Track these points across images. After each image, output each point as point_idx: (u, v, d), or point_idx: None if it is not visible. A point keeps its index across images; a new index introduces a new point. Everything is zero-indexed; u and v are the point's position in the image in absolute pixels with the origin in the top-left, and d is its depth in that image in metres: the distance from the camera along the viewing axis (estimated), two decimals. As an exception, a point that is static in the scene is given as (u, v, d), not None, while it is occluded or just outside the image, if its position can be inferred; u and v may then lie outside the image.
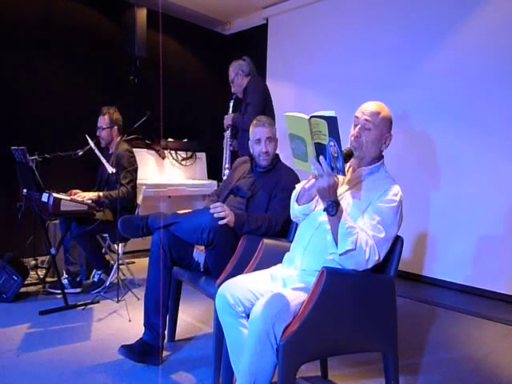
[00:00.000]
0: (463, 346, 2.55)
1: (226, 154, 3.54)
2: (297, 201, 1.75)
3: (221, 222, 2.02)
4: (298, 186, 1.79)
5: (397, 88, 3.84)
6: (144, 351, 2.07)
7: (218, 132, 3.70)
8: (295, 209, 1.77)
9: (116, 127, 3.37)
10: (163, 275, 2.09)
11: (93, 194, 3.12)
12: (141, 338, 2.12)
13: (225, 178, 3.38)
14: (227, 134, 3.52)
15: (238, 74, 3.41)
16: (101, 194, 3.14)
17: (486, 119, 3.41)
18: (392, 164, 1.90)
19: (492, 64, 3.37)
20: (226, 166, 3.48)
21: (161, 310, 2.10)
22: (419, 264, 3.80)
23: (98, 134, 3.35)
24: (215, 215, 2.03)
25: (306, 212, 1.73)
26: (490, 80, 3.38)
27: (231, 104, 3.51)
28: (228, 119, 3.47)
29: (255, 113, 3.13)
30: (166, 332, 2.22)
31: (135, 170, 3.34)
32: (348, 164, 1.75)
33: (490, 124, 3.39)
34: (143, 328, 2.14)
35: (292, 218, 1.86)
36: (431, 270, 3.73)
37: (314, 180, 1.54)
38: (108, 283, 3.25)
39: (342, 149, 1.37)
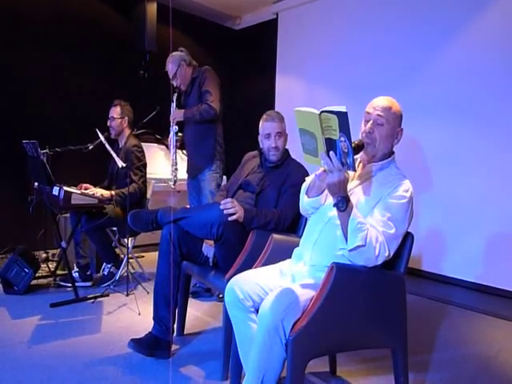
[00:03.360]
0: (473, 343, 2.53)
1: (174, 156, 3.21)
2: (306, 193, 1.74)
3: (230, 219, 2.02)
4: (308, 179, 1.79)
5: (407, 85, 3.80)
6: (153, 345, 2.08)
7: (228, 127, 3.66)
8: (305, 202, 1.76)
9: (127, 118, 3.39)
10: (172, 269, 2.10)
11: (105, 193, 3.12)
12: (150, 332, 2.13)
13: (172, 183, 3.21)
14: (174, 129, 3.18)
15: (180, 65, 3.12)
16: (113, 192, 3.15)
17: (497, 116, 3.37)
18: (402, 160, 1.88)
19: (503, 61, 3.32)
20: (175, 167, 3.21)
21: (170, 303, 2.10)
22: (430, 261, 3.77)
23: (108, 124, 3.37)
24: (225, 211, 2.02)
25: (316, 205, 1.72)
26: (501, 77, 3.34)
27: (175, 98, 3.18)
28: (178, 114, 3.13)
29: (217, 100, 3.02)
30: (174, 326, 2.22)
31: (144, 166, 3.35)
32: (358, 159, 1.73)
33: (501, 121, 3.35)
34: (152, 322, 2.15)
35: (301, 211, 1.85)
36: (442, 268, 3.70)
37: (324, 168, 1.52)
38: (118, 277, 3.28)
39: (353, 141, 1.36)
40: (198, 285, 3.14)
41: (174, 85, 3.20)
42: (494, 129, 3.39)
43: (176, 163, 3.24)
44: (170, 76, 3.16)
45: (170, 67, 3.15)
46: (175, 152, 3.23)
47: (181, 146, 3.38)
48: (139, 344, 2.07)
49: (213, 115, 3.03)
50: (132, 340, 2.08)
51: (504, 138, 3.33)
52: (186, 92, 3.23)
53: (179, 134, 3.26)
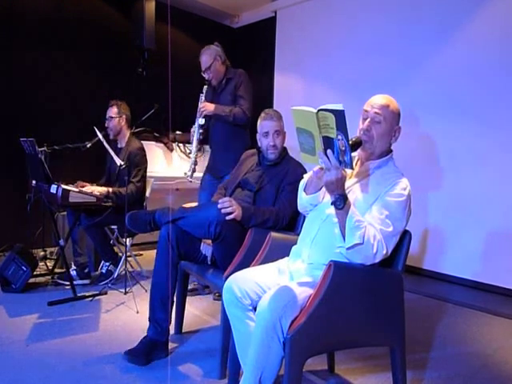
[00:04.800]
0: (472, 341, 2.53)
1: (195, 148, 3.14)
2: (304, 190, 1.74)
3: (228, 218, 2.01)
4: (306, 176, 1.78)
5: (406, 83, 3.80)
6: (149, 350, 2.06)
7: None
8: (303, 198, 1.76)
9: (124, 117, 3.36)
10: (170, 271, 2.08)
11: (102, 189, 3.11)
12: (144, 337, 2.10)
13: (190, 175, 3.13)
14: (200, 121, 3.09)
15: (215, 59, 3.04)
16: (110, 189, 3.13)
17: (495, 114, 3.37)
18: (401, 158, 1.88)
19: (501, 58, 3.32)
20: (194, 159, 3.13)
21: (167, 305, 2.09)
22: (428, 259, 3.78)
23: (106, 124, 3.34)
24: (223, 211, 2.01)
25: (314, 202, 1.72)
26: (500, 75, 3.34)
27: (204, 91, 3.12)
28: (209, 107, 3.03)
29: (250, 106, 3.02)
30: (172, 324, 2.22)
31: (145, 169, 3.35)
32: (356, 157, 1.73)
33: (499, 119, 3.35)
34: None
35: (300, 209, 1.85)
36: (440, 265, 3.71)
37: (321, 166, 1.51)
38: (116, 275, 3.27)
39: (350, 137, 1.35)
40: (198, 283, 3.13)
41: (206, 77, 3.11)
42: (493, 127, 3.38)
43: (196, 156, 3.16)
44: (203, 68, 3.07)
45: (204, 59, 3.06)
46: (197, 145, 3.16)
47: (203, 140, 3.25)
48: (135, 354, 2.04)
49: (244, 121, 3.00)
50: (126, 352, 2.04)
51: (503, 135, 3.33)
52: (216, 89, 3.15)
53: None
